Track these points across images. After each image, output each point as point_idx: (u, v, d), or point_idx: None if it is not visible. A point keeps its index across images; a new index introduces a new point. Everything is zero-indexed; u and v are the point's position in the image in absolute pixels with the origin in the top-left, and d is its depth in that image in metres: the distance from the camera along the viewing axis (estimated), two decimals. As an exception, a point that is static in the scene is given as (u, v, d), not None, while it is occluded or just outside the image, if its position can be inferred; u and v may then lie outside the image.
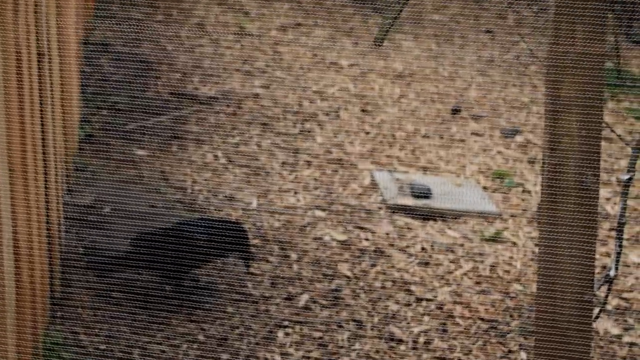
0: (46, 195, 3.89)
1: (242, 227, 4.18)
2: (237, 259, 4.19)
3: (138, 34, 6.50)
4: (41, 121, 3.86)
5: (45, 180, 3.89)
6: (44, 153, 3.88)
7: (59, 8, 4.47)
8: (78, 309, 3.92)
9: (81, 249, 4.23)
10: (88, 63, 5.89)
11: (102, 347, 3.74)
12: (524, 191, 5.16)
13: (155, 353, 3.74)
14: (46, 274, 3.79)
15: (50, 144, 4.02)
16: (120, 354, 3.71)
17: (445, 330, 4.01)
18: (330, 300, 4.15)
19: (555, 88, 2.97)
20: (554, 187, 3.00)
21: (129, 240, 4.05)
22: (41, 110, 3.86)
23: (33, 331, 3.47)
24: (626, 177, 3.06)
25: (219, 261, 4.24)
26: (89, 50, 5.97)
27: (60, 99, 4.39)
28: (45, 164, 3.89)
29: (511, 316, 4.12)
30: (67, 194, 4.55)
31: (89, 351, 3.71)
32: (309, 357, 3.80)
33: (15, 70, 3.38)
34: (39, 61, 3.87)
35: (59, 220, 4.15)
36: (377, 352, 3.86)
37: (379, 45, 3.03)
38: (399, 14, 3.03)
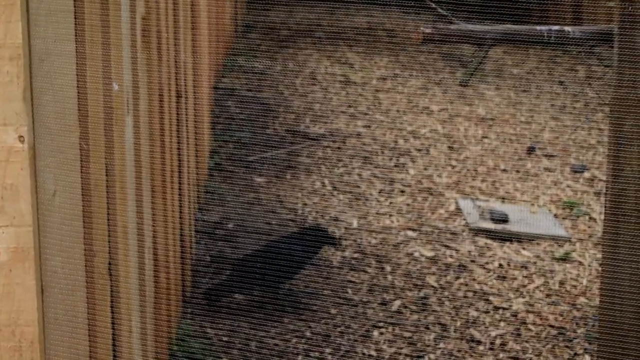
0: (180, 212, 3.97)
1: (323, 227, 4.30)
2: (329, 246, 4.31)
3: (260, 82, 6.61)
4: (178, 151, 3.95)
5: (180, 200, 3.97)
6: (179, 177, 3.96)
7: (195, 58, 4.58)
8: (205, 307, 3.99)
9: (208, 258, 4.30)
10: (218, 104, 6.01)
11: (225, 339, 3.80)
12: (590, 219, 5.09)
13: (269, 345, 3.78)
14: (179, 277, 3.86)
15: (185, 170, 4.11)
16: (240, 345, 3.76)
17: (519, 335, 3.97)
18: (419, 306, 4.15)
19: (619, 125, 2.96)
20: (616, 212, 2.98)
21: (234, 261, 4.13)
22: (178, 141, 3.95)
23: (168, 324, 3.54)
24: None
25: (322, 267, 4.28)
26: (219, 94, 6.10)
27: (194, 133, 4.49)
28: (180, 186, 3.97)
29: (577, 324, 4.06)
30: (198, 211, 4.64)
31: (214, 342, 3.77)
32: (399, 354, 3.80)
33: (158, 106, 3.48)
34: (177, 100, 3.97)
35: (191, 233, 4.23)
36: (459, 351, 3.85)
37: (464, 86, 3.06)
38: (483, 60, 3.06)
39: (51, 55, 2.20)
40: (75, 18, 2.32)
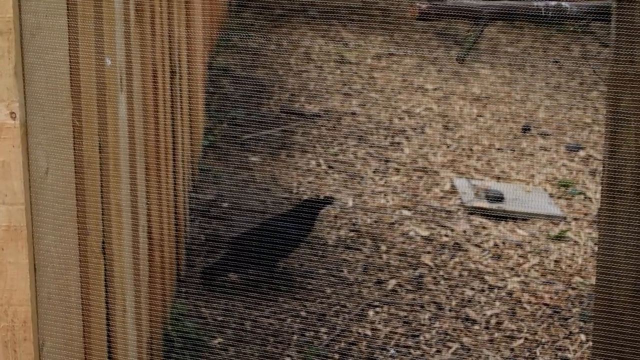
0: (175, 191, 3.94)
1: (314, 197, 4.29)
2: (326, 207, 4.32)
3: (254, 61, 6.56)
4: (172, 129, 3.91)
5: (174, 179, 3.94)
6: (174, 156, 3.93)
7: (189, 36, 4.54)
8: (200, 287, 3.97)
9: (203, 237, 4.28)
10: (212, 84, 5.97)
11: (220, 318, 3.78)
12: (585, 198, 5.07)
13: (264, 325, 3.76)
14: (174, 256, 3.83)
15: (179, 149, 4.07)
16: (235, 324, 3.74)
17: (514, 314, 3.96)
18: (415, 285, 4.13)
19: (615, 103, 2.93)
20: (612, 190, 2.95)
21: (229, 240, 4.10)
22: (172, 120, 3.91)
23: (162, 303, 3.52)
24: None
25: (317, 246, 4.26)
26: (213, 73, 6.05)
27: (188, 111, 4.45)
28: (174, 165, 3.94)
29: (572, 303, 4.05)
30: (193, 190, 4.61)
31: (209, 321, 3.75)
32: (395, 333, 3.79)
33: (152, 84, 3.44)
34: (171, 78, 3.93)
35: (185, 212, 4.20)
36: (454, 330, 3.83)
37: (461, 62, 3.02)
38: (479, 37, 3.02)
39: (42, 30, 2.16)
40: (67, -8, 2.27)
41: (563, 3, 2.92)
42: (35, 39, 2.14)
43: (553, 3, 2.92)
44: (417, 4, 2.81)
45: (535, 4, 2.92)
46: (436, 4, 2.79)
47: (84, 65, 2.37)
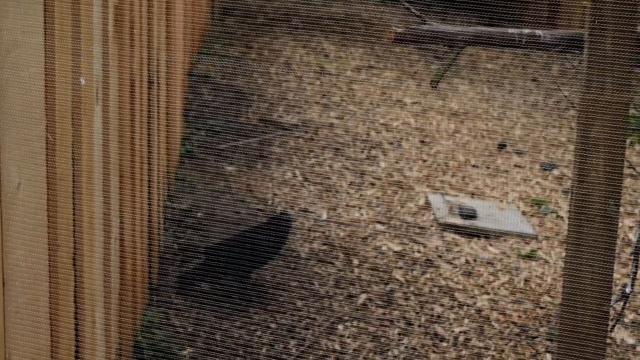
0: (149, 199, 3.95)
1: (284, 214, 4.29)
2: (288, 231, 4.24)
3: (234, 69, 6.58)
4: (148, 137, 3.92)
5: (149, 187, 3.95)
6: (149, 165, 3.94)
7: (169, 46, 4.56)
8: (171, 296, 3.98)
9: (176, 246, 4.29)
10: (191, 91, 5.98)
11: (190, 329, 3.79)
12: (557, 217, 5.12)
13: (234, 336, 3.78)
14: (146, 264, 3.84)
15: (155, 157, 4.08)
16: (205, 335, 3.76)
17: (482, 332, 3.99)
18: (385, 301, 4.16)
19: (586, 129, 2.97)
20: (580, 214, 3.00)
21: (204, 250, 4.11)
22: (149, 129, 3.93)
23: (133, 312, 3.53)
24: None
25: (289, 259, 4.28)
26: (192, 81, 6.07)
27: (165, 120, 4.47)
28: (149, 173, 3.95)
29: (540, 323, 4.09)
30: (168, 199, 4.62)
31: (179, 331, 3.76)
32: (363, 348, 3.82)
33: (129, 94, 3.46)
34: (149, 88, 3.94)
35: (159, 221, 4.22)
36: (423, 346, 3.86)
37: (434, 87, 3.05)
38: (453, 61, 3.06)
39: (18, 47, 2.18)
40: (44, 10, 2.29)
41: (537, 31, 2.96)
42: (10, 55, 2.15)
43: (527, 31, 2.95)
44: (394, 28, 2.85)
45: (510, 31, 2.95)
46: (412, 29, 2.82)
47: (60, 82, 2.39)
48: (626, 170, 3.82)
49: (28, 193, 2.26)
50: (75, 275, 2.65)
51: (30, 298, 2.28)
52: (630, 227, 5.03)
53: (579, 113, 3.02)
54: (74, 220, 2.62)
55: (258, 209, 4.79)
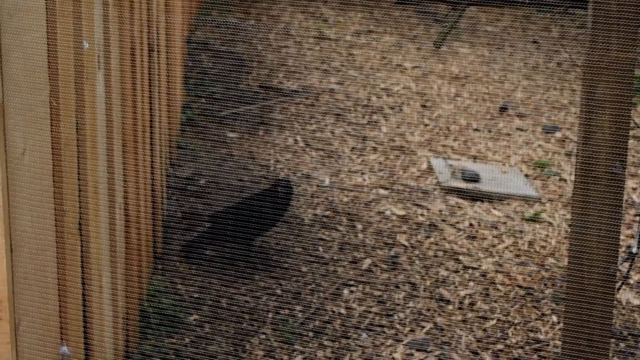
0: (152, 167, 3.94)
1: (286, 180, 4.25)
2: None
3: (234, 36, 6.55)
4: (150, 106, 3.91)
5: (152, 156, 3.94)
6: (151, 133, 3.93)
7: (167, 12, 4.52)
8: (177, 264, 3.98)
9: (180, 214, 4.28)
10: (191, 58, 5.95)
11: (196, 295, 3.80)
12: (560, 179, 5.12)
13: (240, 302, 3.78)
14: (150, 233, 3.84)
15: (157, 125, 4.07)
16: (211, 302, 3.76)
17: (487, 295, 4.00)
18: (390, 265, 4.16)
19: (591, 89, 2.96)
20: (586, 175, 2.99)
21: (207, 217, 4.10)
22: (150, 96, 3.91)
23: (139, 280, 3.53)
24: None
25: (293, 225, 4.28)
26: (192, 48, 6.04)
27: (166, 87, 4.44)
28: (152, 142, 3.94)
29: (545, 285, 4.09)
30: (170, 167, 4.61)
31: (185, 298, 3.76)
32: (369, 312, 3.82)
33: (130, 61, 3.44)
34: (149, 55, 3.92)
35: (162, 189, 4.21)
36: (428, 310, 3.87)
37: (438, 48, 3.03)
38: (455, 23, 3.04)
39: (20, 11, 2.16)
40: (45, -27, 2.27)
41: (541, -11, 2.94)
42: (12, 19, 2.13)
43: (531, -10, 2.94)
44: (397, -12, 2.82)
45: (513, -10, 2.93)
46: (415, -11, 2.80)
47: (62, 46, 2.37)
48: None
49: (33, 159, 2.25)
50: (81, 242, 2.64)
51: (39, 264, 2.28)
52: (634, 189, 5.03)
53: (583, 73, 3.01)
54: (79, 186, 2.61)
55: (261, 176, 4.78)
